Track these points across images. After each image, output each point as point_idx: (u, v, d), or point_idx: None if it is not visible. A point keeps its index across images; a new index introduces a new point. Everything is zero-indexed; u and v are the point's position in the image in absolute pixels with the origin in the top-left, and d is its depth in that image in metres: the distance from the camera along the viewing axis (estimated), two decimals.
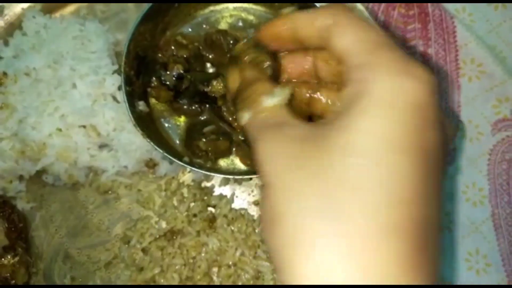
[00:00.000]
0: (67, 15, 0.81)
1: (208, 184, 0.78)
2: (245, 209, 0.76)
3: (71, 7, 0.82)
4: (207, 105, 0.72)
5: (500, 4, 0.86)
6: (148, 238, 0.73)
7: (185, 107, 0.72)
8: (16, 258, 0.73)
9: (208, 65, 0.75)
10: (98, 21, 0.78)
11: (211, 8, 0.77)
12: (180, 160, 0.68)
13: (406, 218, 0.31)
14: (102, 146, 0.74)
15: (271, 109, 0.39)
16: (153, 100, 0.73)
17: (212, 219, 0.75)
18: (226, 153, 0.73)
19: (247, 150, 0.71)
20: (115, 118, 0.71)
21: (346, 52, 0.37)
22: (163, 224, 0.75)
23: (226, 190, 0.78)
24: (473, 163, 0.81)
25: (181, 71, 0.71)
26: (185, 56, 0.73)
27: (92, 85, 0.70)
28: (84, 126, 0.71)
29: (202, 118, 0.74)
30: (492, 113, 0.83)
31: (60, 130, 0.69)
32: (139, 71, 0.72)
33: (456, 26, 0.84)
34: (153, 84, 0.71)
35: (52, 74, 0.71)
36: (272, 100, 0.39)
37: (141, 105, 0.71)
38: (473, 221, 0.79)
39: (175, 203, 0.76)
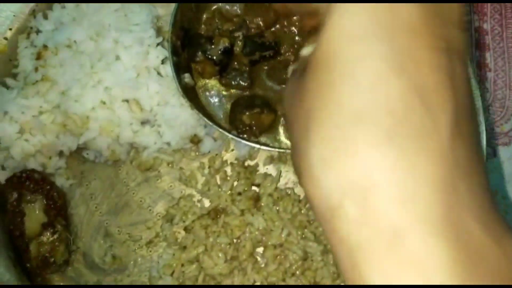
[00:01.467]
0: None
1: (252, 163, 0.75)
2: (291, 189, 0.73)
3: None
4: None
5: None
6: (191, 216, 0.71)
7: (232, 82, 0.69)
8: (56, 236, 0.72)
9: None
10: None
11: None
12: (229, 132, 0.66)
13: None
14: (144, 122, 0.71)
15: None
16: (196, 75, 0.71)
17: (256, 198, 0.72)
18: (270, 128, 0.70)
19: None
20: (159, 92, 0.69)
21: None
22: (206, 203, 0.73)
23: (271, 169, 0.75)
24: None
25: (227, 45, 0.68)
26: (230, 29, 0.71)
27: (136, 56, 0.67)
28: (127, 101, 0.68)
29: (247, 94, 0.71)
30: None
31: (104, 103, 0.67)
32: (184, 44, 0.70)
33: None
34: (198, 59, 0.69)
35: (94, 46, 0.69)
36: None
37: (187, 78, 0.68)
38: None
39: (219, 181, 0.73)
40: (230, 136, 0.67)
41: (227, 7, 0.72)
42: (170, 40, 0.66)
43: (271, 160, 0.75)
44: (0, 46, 0.75)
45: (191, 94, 0.69)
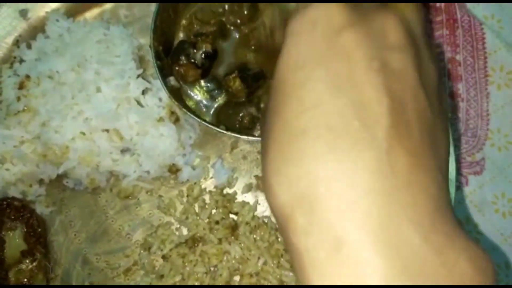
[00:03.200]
0: (91, 19, 0.81)
1: (231, 191, 0.76)
2: (268, 217, 0.74)
3: (95, 11, 0.82)
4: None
5: None
6: (169, 245, 0.72)
7: (211, 92, 0.73)
8: (35, 263, 0.72)
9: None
10: (122, 26, 0.78)
11: None
12: (217, 127, 0.69)
13: None
14: (124, 151, 0.73)
15: None
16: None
17: (234, 227, 0.73)
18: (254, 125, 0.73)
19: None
20: (138, 122, 0.70)
21: None
22: (184, 231, 0.74)
23: (249, 197, 0.76)
24: (502, 173, 0.79)
25: (210, 50, 0.72)
26: (210, 31, 0.75)
27: (116, 88, 0.69)
28: (107, 130, 0.70)
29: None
30: None
31: (83, 133, 0.68)
32: (167, 50, 0.73)
33: (485, 33, 0.82)
34: (181, 62, 0.72)
35: (76, 78, 0.70)
36: None
37: (172, 80, 0.71)
38: (502, 233, 0.77)
39: (197, 209, 0.75)
40: (216, 130, 0.68)
41: (202, 11, 0.76)
42: (152, 46, 0.69)
43: (249, 188, 0.77)
44: None
45: (178, 95, 0.72)
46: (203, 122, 0.68)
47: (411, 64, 0.33)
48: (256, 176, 0.76)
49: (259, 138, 0.71)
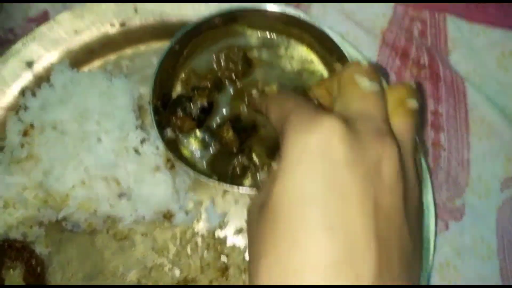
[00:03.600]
0: (94, 69, 0.86)
1: (222, 234, 0.80)
2: None
3: (98, 62, 0.87)
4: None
5: (509, 67, 0.89)
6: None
7: (205, 139, 0.78)
8: None
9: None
10: (124, 76, 0.83)
11: (223, 43, 0.82)
12: (210, 177, 0.73)
13: None
14: (121, 195, 0.77)
15: None
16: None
17: (224, 269, 0.77)
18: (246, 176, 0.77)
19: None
20: (136, 170, 0.74)
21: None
22: (177, 273, 0.77)
23: (239, 240, 0.80)
24: (481, 219, 0.82)
25: (205, 104, 0.77)
26: (208, 84, 0.79)
27: (116, 140, 0.73)
28: (106, 178, 0.74)
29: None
30: (501, 171, 0.85)
31: (83, 182, 0.72)
32: (165, 103, 0.78)
33: (466, 88, 0.87)
34: (178, 115, 0.76)
35: (78, 128, 0.75)
36: None
37: (169, 132, 0.75)
38: (482, 277, 0.80)
39: (189, 251, 0.78)
40: (210, 182, 0.73)
41: (200, 66, 0.81)
42: (151, 102, 0.74)
43: (239, 231, 0.80)
44: None
45: (175, 146, 0.76)
46: (196, 173, 0.72)
47: (399, 203, 0.37)
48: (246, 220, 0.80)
49: (247, 189, 0.75)
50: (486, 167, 0.85)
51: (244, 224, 0.81)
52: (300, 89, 0.78)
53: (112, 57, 0.88)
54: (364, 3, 0.93)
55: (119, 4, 0.86)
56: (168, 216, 0.76)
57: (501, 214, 0.82)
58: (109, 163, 0.73)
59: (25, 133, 0.77)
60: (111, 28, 0.86)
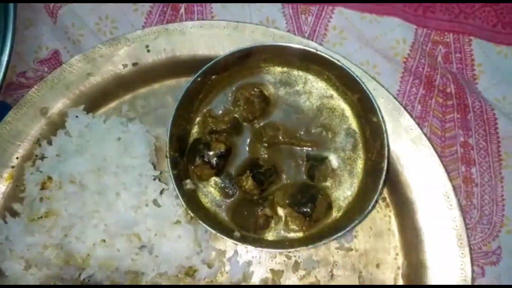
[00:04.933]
0: (110, 110, 0.84)
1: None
2: None
3: (113, 103, 0.85)
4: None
5: None
6: None
7: (225, 190, 0.76)
8: None
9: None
10: (139, 120, 0.81)
11: (239, 82, 0.80)
12: (231, 237, 0.71)
13: None
14: (142, 247, 0.74)
15: None
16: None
17: None
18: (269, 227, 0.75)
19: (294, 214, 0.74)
20: (156, 225, 0.72)
21: None
22: None
23: None
24: None
25: (223, 150, 0.74)
26: (225, 127, 0.77)
27: (135, 195, 0.71)
28: (126, 234, 0.72)
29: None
30: None
31: (104, 241, 0.70)
32: (182, 151, 0.76)
33: (497, 118, 0.83)
34: (197, 163, 0.74)
35: (96, 180, 0.73)
36: None
37: (188, 184, 0.74)
38: None
39: None
40: (232, 241, 0.71)
41: (216, 108, 0.79)
42: (168, 155, 0.72)
43: (264, 282, 0.77)
44: (7, 175, 0.79)
45: (193, 198, 0.74)
46: (217, 233, 0.70)
47: None
48: (272, 270, 0.77)
49: (272, 250, 0.73)
50: None
51: (269, 275, 0.78)
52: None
53: (126, 97, 0.86)
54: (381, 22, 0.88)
55: (131, 44, 0.83)
56: (191, 273, 0.74)
57: None
58: (129, 220, 0.71)
59: (43, 187, 0.75)
60: (124, 69, 0.83)
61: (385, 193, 0.79)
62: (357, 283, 0.76)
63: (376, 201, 0.70)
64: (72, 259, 0.70)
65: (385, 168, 0.69)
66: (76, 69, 0.82)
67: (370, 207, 0.68)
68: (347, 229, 0.68)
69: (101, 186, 0.72)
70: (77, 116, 0.80)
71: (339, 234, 0.69)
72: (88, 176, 0.73)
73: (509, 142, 0.82)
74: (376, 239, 0.78)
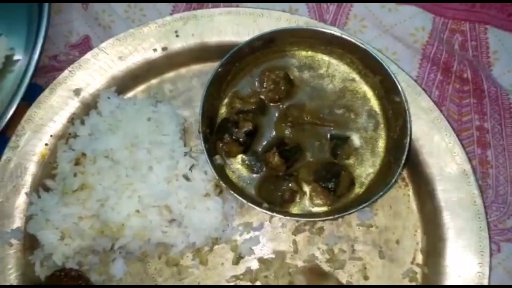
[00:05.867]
0: (139, 94, 0.88)
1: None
2: None
3: (142, 86, 0.89)
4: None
5: None
6: None
7: (252, 167, 0.79)
8: None
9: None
10: (168, 101, 0.84)
11: (265, 65, 0.84)
12: (260, 206, 0.74)
13: None
14: (172, 221, 0.77)
15: None
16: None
17: None
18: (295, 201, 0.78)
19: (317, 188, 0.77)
20: (187, 198, 0.75)
21: None
22: None
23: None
24: None
25: (251, 128, 0.78)
26: (252, 107, 0.81)
27: (167, 168, 0.74)
28: (158, 206, 0.75)
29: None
30: None
31: (138, 211, 0.73)
32: (212, 128, 0.80)
33: (511, 102, 0.86)
34: (225, 140, 0.78)
35: (129, 156, 0.76)
36: None
37: (218, 159, 0.77)
38: None
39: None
40: (261, 210, 0.74)
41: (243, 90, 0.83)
42: (200, 130, 0.76)
43: (286, 251, 0.80)
44: (41, 151, 0.83)
45: (222, 174, 0.78)
46: (246, 203, 0.73)
47: None
48: (294, 241, 0.81)
49: (298, 217, 0.76)
50: None
51: (291, 247, 0.81)
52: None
53: (154, 81, 0.89)
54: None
55: (161, 29, 0.86)
56: (217, 242, 0.78)
57: None
58: (162, 192, 0.74)
59: (77, 162, 0.78)
60: (153, 53, 0.87)
61: (405, 173, 0.83)
62: (377, 258, 0.79)
63: (399, 175, 0.73)
64: (107, 229, 0.73)
65: (407, 144, 0.72)
66: (108, 53, 0.86)
67: (394, 180, 0.72)
68: (371, 200, 0.72)
69: (134, 161, 0.76)
70: (108, 97, 0.84)
71: (363, 205, 0.72)
72: (121, 152, 0.77)
73: None
74: (395, 217, 0.81)
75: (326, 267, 0.79)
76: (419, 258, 0.79)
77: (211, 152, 0.77)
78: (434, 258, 0.76)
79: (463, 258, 0.74)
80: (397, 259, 0.79)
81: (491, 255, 0.77)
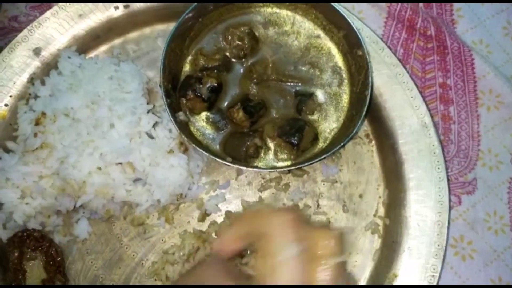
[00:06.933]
0: (101, 54, 0.86)
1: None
2: None
3: (104, 47, 0.87)
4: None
5: None
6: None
7: (217, 123, 0.79)
8: None
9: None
10: (131, 61, 0.83)
11: (229, 21, 0.83)
12: (224, 160, 0.75)
13: None
14: (136, 181, 0.77)
15: None
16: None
17: None
18: (259, 155, 0.78)
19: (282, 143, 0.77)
20: (150, 155, 0.74)
21: None
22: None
23: None
24: (493, 192, 0.83)
25: (215, 84, 0.77)
26: (216, 64, 0.80)
27: (129, 125, 0.73)
28: (121, 163, 0.74)
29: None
30: (511, 142, 0.85)
31: (99, 168, 0.72)
32: (175, 85, 0.79)
33: (474, 59, 0.87)
34: (189, 97, 0.77)
35: (90, 114, 0.75)
36: None
37: (181, 115, 0.76)
38: (495, 249, 0.81)
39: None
40: (225, 163, 0.74)
41: (207, 46, 0.82)
42: (162, 85, 0.74)
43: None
44: (1, 112, 0.81)
45: (186, 131, 0.77)
46: (210, 156, 0.73)
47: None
48: (260, 197, 0.82)
49: (262, 169, 0.76)
50: (496, 139, 0.85)
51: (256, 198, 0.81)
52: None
53: (117, 41, 0.87)
54: None
55: None
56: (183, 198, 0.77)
57: None
58: (123, 149, 0.73)
59: (37, 122, 0.76)
60: (115, 11, 0.85)
61: (369, 129, 0.83)
62: (341, 212, 0.80)
63: (361, 125, 0.74)
64: (68, 187, 0.72)
65: (368, 95, 0.73)
66: (68, 11, 0.84)
67: (355, 130, 0.72)
68: (331, 151, 0.73)
69: (95, 119, 0.74)
70: (69, 57, 0.82)
71: (326, 155, 0.73)
72: (82, 110, 0.75)
73: (484, 81, 0.87)
74: (359, 172, 0.82)
75: None
76: (381, 211, 0.80)
77: (174, 108, 0.76)
78: (395, 210, 0.78)
79: (423, 208, 0.76)
80: (360, 212, 0.81)
81: (450, 206, 0.78)
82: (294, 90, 0.80)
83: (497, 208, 0.83)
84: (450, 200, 0.78)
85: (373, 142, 0.83)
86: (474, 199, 0.82)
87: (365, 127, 0.84)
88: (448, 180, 0.79)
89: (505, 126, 0.86)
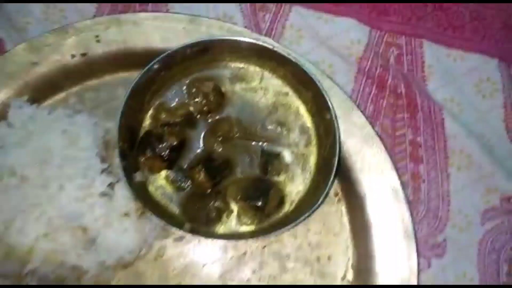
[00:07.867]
0: (56, 103, 0.80)
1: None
2: None
3: (60, 95, 0.81)
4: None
5: (487, 92, 0.88)
6: None
7: (178, 182, 0.74)
8: None
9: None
10: (87, 112, 0.78)
11: (195, 75, 0.79)
12: (181, 228, 0.70)
13: None
14: (88, 242, 0.71)
15: None
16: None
17: None
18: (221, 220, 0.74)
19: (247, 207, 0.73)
20: (105, 214, 0.70)
21: None
22: None
23: None
24: (463, 254, 0.81)
25: (176, 143, 0.73)
26: (178, 120, 0.76)
27: (80, 188, 0.68)
28: (71, 227, 0.68)
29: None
30: (481, 202, 0.84)
31: (46, 234, 0.67)
32: (132, 143, 0.74)
33: (444, 118, 0.86)
34: (147, 156, 0.72)
35: (38, 173, 0.69)
36: None
37: (138, 176, 0.72)
38: None
39: None
40: (182, 231, 0.70)
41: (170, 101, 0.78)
42: (118, 145, 0.70)
43: (219, 275, 0.76)
44: None
45: (143, 191, 0.72)
46: (167, 223, 0.69)
47: None
48: (223, 264, 0.76)
49: (221, 238, 0.73)
50: (466, 199, 0.83)
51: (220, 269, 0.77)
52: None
53: (74, 89, 0.82)
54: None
55: (80, 33, 0.80)
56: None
57: (482, 248, 0.81)
58: (73, 212, 0.68)
59: None
60: (71, 59, 0.80)
61: (338, 188, 0.80)
62: (309, 275, 0.77)
63: (326, 196, 0.70)
64: (13, 253, 0.66)
65: (335, 164, 0.70)
66: (21, 58, 0.78)
67: (319, 202, 0.69)
68: (297, 222, 0.69)
69: (44, 179, 0.69)
70: (20, 107, 0.76)
71: (289, 226, 0.69)
72: (30, 169, 0.70)
73: (455, 141, 0.85)
74: (328, 233, 0.78)
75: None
76: (350, 274, 0.77)
77: (131, 168, 0.72)
78: (364, 276, 0.74)
79: (391, 272, 0.73)
80: (329, 274, 0.77)
81: (419, 270, 0.75)
82: (260, 149, 0.77)
83: (466, 270, 0.81)
84: (419, 264, 0.75)
85: (343, 201, 0.80)
86: (444, 262, 0.80)
87: (334, 185, 0.81)
88: (417, 244, 0.76)
89: (475, 187, 0.84)
